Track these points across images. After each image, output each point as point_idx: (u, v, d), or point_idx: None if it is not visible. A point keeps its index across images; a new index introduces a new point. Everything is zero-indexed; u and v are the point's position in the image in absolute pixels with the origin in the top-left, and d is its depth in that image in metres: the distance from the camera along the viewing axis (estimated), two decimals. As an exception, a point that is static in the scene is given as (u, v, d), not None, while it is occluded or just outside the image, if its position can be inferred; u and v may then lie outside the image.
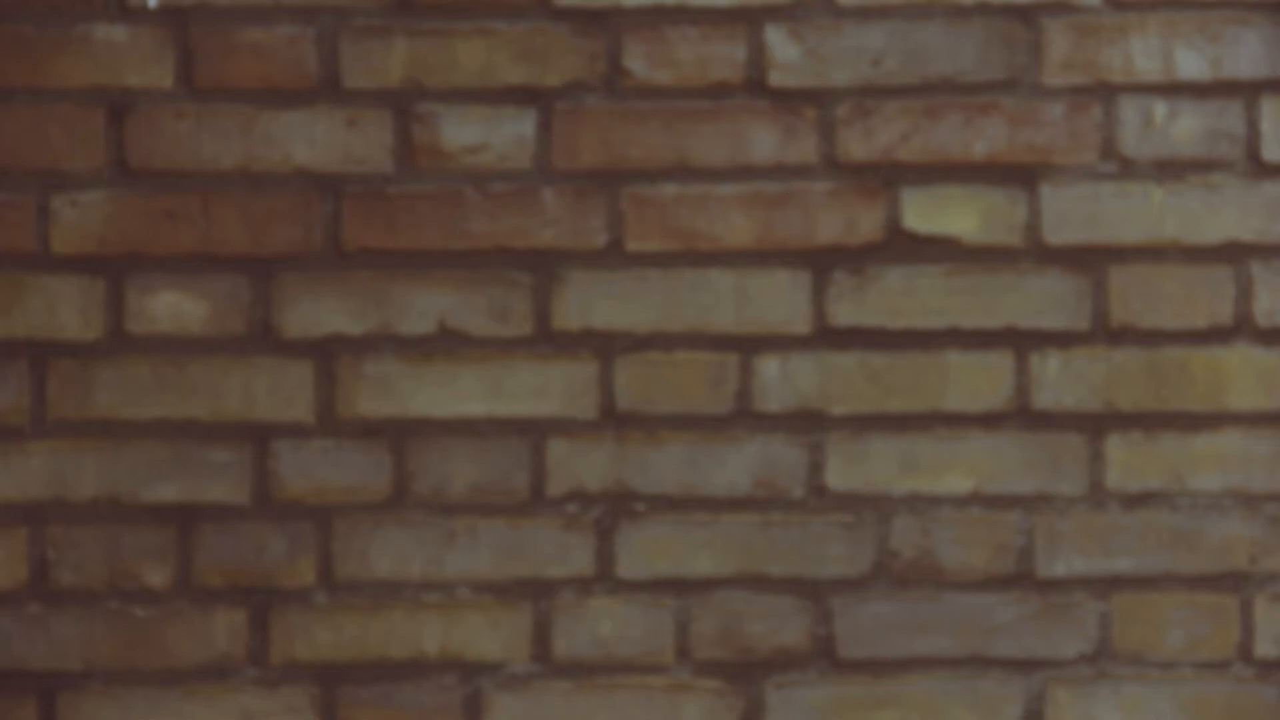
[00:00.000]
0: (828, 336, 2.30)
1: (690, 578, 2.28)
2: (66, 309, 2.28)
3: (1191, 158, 2.31)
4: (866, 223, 2.30)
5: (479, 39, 2.31)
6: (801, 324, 2.30)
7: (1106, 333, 2.30)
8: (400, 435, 2.27)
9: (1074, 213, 2.31)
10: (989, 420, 2.29)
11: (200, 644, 2.26)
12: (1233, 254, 2.30)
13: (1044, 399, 2.29)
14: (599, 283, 2.30)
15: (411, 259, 2.29)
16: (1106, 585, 2.28)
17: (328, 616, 2.27)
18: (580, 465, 2.28)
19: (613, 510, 2.28)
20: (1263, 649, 2.28)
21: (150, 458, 2.27)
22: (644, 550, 2.28)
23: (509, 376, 2.29)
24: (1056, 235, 2.30)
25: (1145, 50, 2.32)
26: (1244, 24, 2.31)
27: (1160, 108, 2.31)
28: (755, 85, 2.31)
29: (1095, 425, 2.29)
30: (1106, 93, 2.32)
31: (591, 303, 2.29)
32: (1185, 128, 2.31)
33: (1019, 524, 2.28)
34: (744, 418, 2.29)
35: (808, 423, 2.29)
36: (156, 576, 2.26)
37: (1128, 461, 2.29)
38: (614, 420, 2.28)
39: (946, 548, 2.28)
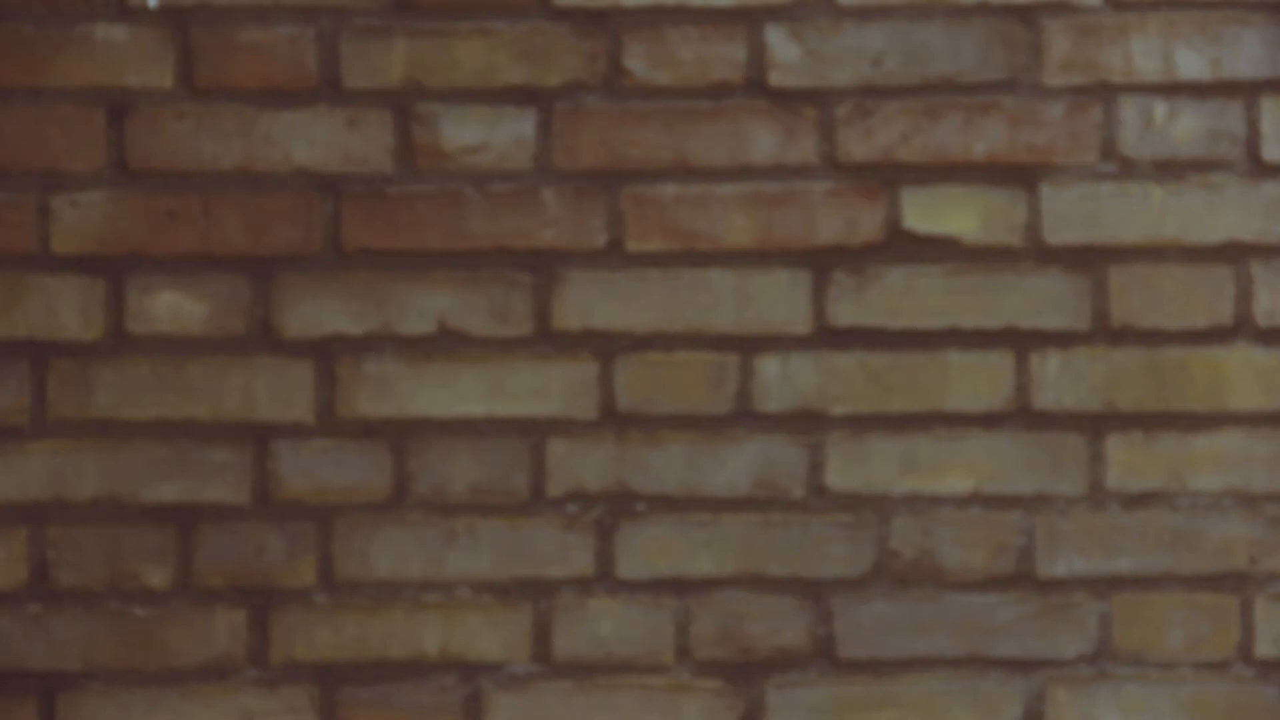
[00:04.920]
0: (828, 336, 2.30)
1: (690, 578, 2.28)
2: (66, 309, 2.28)
3: (1192, 158, 2.31)
4: (866, 223, 2.30)
5: (479, 39, 2.31)
6: (801, 324, 2.30)
7: (1106, 332, 2.30)
8: (400, 435, 2.27)
9: (1074, 213, 2.31)
10: (989, 420, 2.29)
11: (200, 644, 2.26)
12: (1233, 254, 2.30)
13: (1044, 399, 2.29)
14: (599, 283, 2.30)
15: (411, 259, 2.29)
16: (1106, 585, 2.28)
17: (328, 616, 2.27)
18: (580, 465, 2.28)
19: (613, 510, 2.28)
20: (1263, 649, 2.28)
21: (150, 458, 2.27)
22: (644, 550, 2.28)
23: (509, 376, 2.29)
24: (1056, 235, 2.31)
25: (1145, 50, 2.32)
26: (1244, 24, 2.31)
27: (1160, 108, 2.31)
28: (755, 85, 2.31)
29: (1095, 425, 2.29)
30: (1107, 93, 2.32)
31: (591, 303, 2.29)
32: (1186, 128, 2.31)
33: (1019, 524, 2.28)
34: (744, 418, 2.29)
35: (808, 423, 2.29)
36: (156, 576, 2.26)
37: (1128, 461, 2.29)
38: (614, 420, 2.28)
39: (946, 548, 2.28)
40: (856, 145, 2.31)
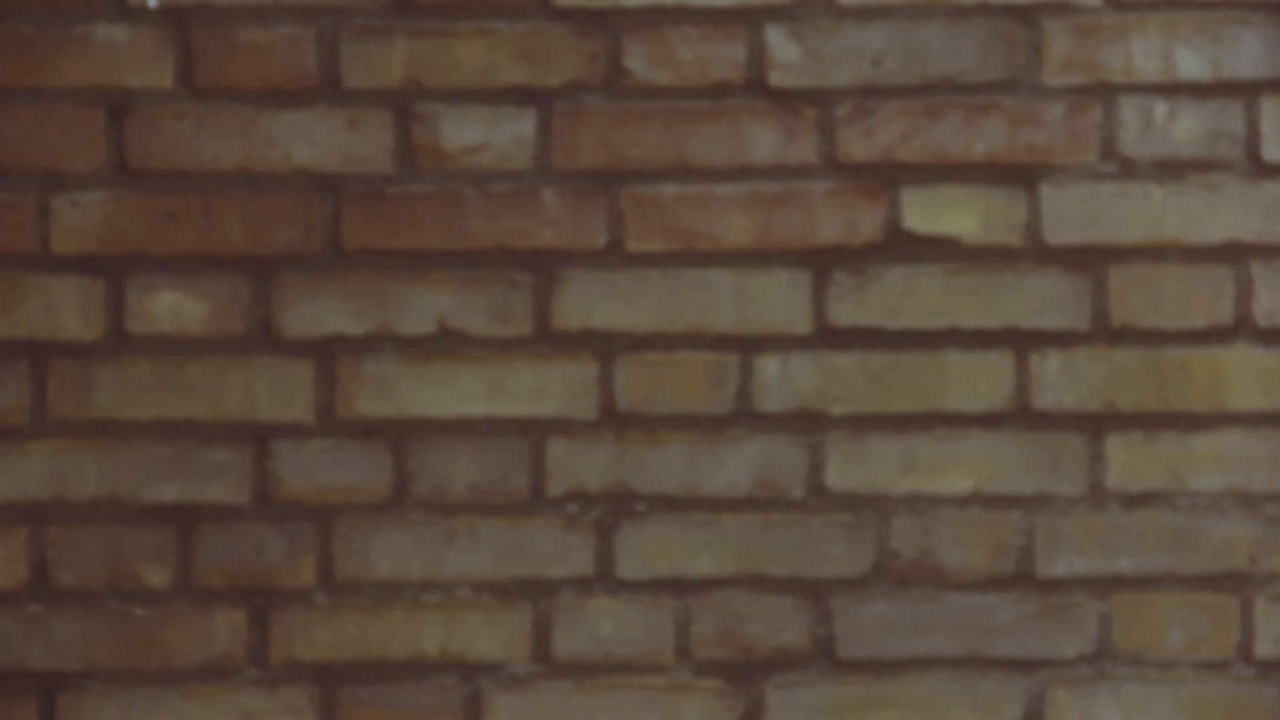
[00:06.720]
0: (828, 336, 2.30)
1: (690, 578, 2.28)
2: (66, 309, 2.28)
3: (1191, 158, 2.31)
4: (866, 223, 2.30)
5: (479, 39, 2.31)
6: (801, 324, 2.30)
7: (1106, 333, 2.30)
8: (400, 435, 2.27)
9: (1074, 213, 2.31)
10: (989, 420, 2.29)
11: (200, 644, 2.26)
12: (1233, 254, 2.30)
13: (1044, 399, 2.29)
14: (599, 283, 2.30)
15: (411, 259, 2.29)
16: (1106, 585, 2.28)
17: (328, 616, 2.27)
18: (580, 465, 2.28)
19: (613, 510, 2.28)
20: (1263, 649, 2.28)
21: (150, 458, 2.27)
22: (644, 550, 2.28)
23: (509, 376, 2.29)
24: (1056, 235, 2.31)
25: (1145, 50, 2.32)
26: (1244, 24, 2.31)
27: (1160, 108, 2.32)
28: (755, 85, 2.31)
29: (1095, 425, 2.29)
30: (1106, 93, 2.32)
31: (591, 303, 2.29)
32: (1185, 128, 2.31)
33: (1019, 524, 2.28)
34: (744, 418, 2.29)
35: (808, 423, 2.29)
36: (156, 576, 2.26)
37: (1128, 461, 2.29)
38: (614, 420, 2.28)
39: (946, 548, 2.28)
40: (856, 145, 2.31)
